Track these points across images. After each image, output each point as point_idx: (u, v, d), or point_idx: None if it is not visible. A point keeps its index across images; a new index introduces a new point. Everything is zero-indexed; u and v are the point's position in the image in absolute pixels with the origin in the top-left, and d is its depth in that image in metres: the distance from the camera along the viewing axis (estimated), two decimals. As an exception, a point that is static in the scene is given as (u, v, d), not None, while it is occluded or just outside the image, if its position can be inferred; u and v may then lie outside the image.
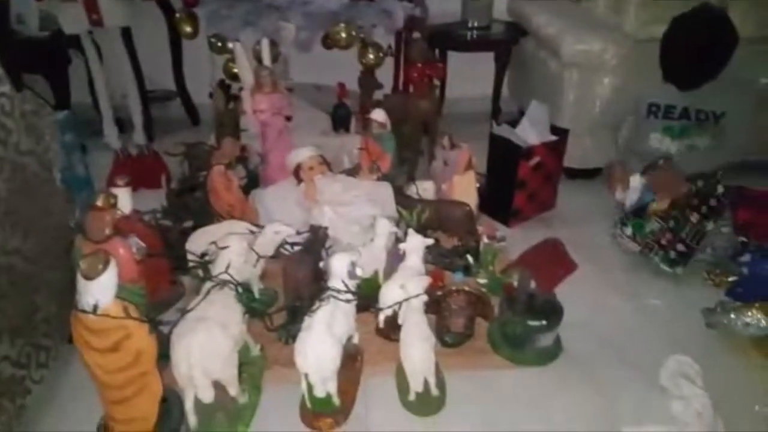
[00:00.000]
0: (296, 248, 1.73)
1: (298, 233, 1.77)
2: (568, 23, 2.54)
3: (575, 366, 1.60)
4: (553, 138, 2.26)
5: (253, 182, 2.33)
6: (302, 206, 2.04)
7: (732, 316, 1.67)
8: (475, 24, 3.03)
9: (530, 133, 2.24)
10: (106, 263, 1.13)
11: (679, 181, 1.96)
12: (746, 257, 1.93)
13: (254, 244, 1.67)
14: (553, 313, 1.60)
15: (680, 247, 1.93)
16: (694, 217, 1.95)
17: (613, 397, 1.50)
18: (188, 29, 2.80)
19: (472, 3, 3.04)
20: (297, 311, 1.51)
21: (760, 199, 2.16)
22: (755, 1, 2.41)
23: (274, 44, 2.43)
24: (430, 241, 1.71)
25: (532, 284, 1.60)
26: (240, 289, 1.44)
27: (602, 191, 2.40)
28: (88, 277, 1.11)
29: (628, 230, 1.96)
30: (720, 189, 1.94)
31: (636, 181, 2.01)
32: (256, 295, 1.70)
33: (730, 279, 1.89)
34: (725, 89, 1.96)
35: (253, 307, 1.57)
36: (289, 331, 1.54)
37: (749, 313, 1.66)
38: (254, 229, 1.77)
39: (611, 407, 1.46)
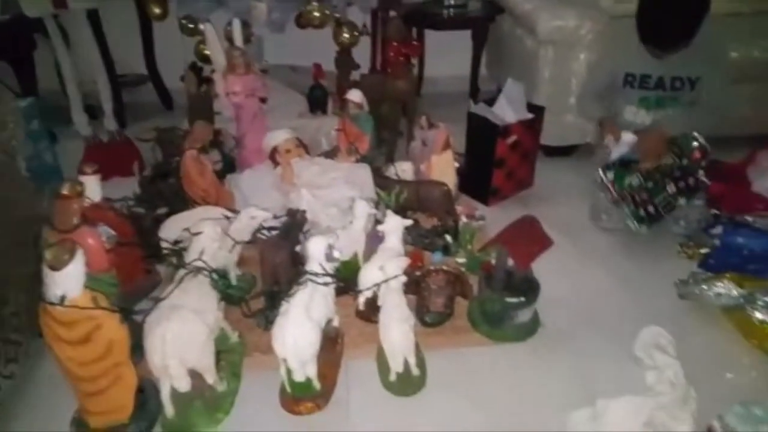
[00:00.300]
0: (273, 233, 1.71)
1: (275, 217, 1.75)
2: (544, 0, 2.52)
3: (553, 340, 1.62)
4: (530, 116, 2.26)
5: (228, 166, 2.30)
6: (279, 190, 2.02)
7: (704, 287, 1.69)
8: (452, 2, 2.99)
9: (507, 111, 2.23)
10: (73, 253, 1.10)
11: (665, 148, 1.99)
12: (718, 229, 1.96)
13: (230, 230, 1.65)
14: (530, 289, 1.61)
15: (651, 209, 1.96)
16: (671, 188, 1.97)
17: (590, 370, 1.52)
18: (157, 11, 2.74)
19: (449, -20, 3.01)
20: (275, 296, 1.50)
21: (730, 173, 2.19)
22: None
23: (246, 25, 2.38)
24: (409, 222, 1.70)
25: (510, 262, 1.61)
26: (215, 276, 1.42)
27: (579, 168, 2.42)
28: (54, 268, 1.08)
29: (610, 175, 1.97)
30: (701, 172, 1.97)
31: (628, 136, 2.02)
32: (233, 281, 1.69)
33: (703, 251, 1.92)
34: (699, 55, 1.98)
35: (230, 293, 1.56)
36: (268, 317, 1.53)
37: (720, 284, 1.68)
38: (229, 214, 1.74)
39: (588, 379, 1.48)
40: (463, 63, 3.16)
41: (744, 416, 1.22)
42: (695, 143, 1.97)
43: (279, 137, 2.08)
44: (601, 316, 1.71)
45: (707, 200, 2.05)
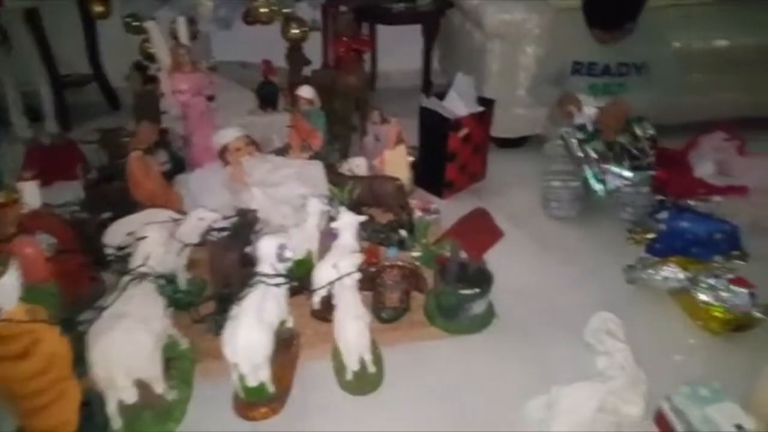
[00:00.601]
0: (223, 234, 1.67)
1: (225, 218, 1.71)
2: (492, -6, 2.54)
3: (508, 330, 1.64)
4: (481, 109, 2.28)
5: (177, 167, 2.24)
6: (230, 189, 1.98)
7: (651, 271, 1.74)
8: (401, -4, 2.98)
9: (458, 104, 2.24)
10: (6, 264, 1.05)
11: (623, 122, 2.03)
12: (663, 214, 2.01)
13: (177, 232, 1.60)
14: (484, 280, 1.63)
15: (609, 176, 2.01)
16: (626, 163, 2.01)
17: (545, 357, 1.54)
18: (99, 9, 2.65)
19: (396, -26, 2.99)
20: (226, 300, 1.47)
21: (674, 158, 2.26)
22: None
23: (191, 22, 2.32)
24: (363, 218, 1.70)
25: (463, 254, 1.62)
26: (161, 281, 1.37)
27: (530, 159, 2.45)
28: (-13, 281, 1.03)
29: (580, 135, 2.00)
30: (652, 155, 2.02)
31: (590, 109, 2.04)
32: (182, 285, 1.64)
33: (649, 236, 1.97)
34: (642, 42, 2.04)
35: (178, 298, 1.52)
36: (218, 322, 1.49)
37: (666, 268, 1.73)
38: (177, 216, 1.70)
39: (543, 367, 1.51)
40: (416, 57, 3.17)
41: (691, 397, 1.26)
42: (649, 132, 2.02)
43: (228, 135, 2.03)
44: (553, 303, 1.74)
45: (653, 186, 2.10)
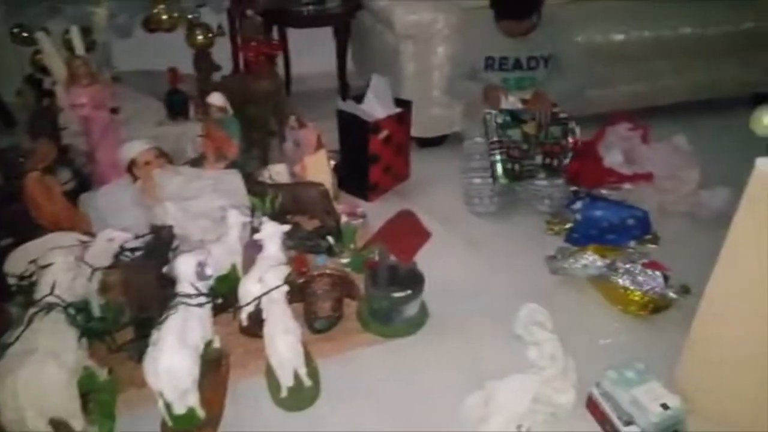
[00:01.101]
0: (137, 254, 1.57)
1: (138, 237, 1.61)
2: (400, -5, 2.55)
3: (442, 329, 1.65)
4: (398, 110, 2.28)
5: (82, 185, 2.08)
6: (142, 205, 1.87)
7: (571, 260, 1.80)
8: (310, -2, 2.94)
9: (376, 106, 2.23)
10: None
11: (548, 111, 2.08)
12: (578, 204, 2.10)
13: (86, 256, 1.49)
14: (415, 281, 1.62)
15: (516, 167, 2.05)
16: (538, 159, 2.07)
17: (479, 353, 1.56)
18: (-19, 19, 2.42)
19: (303, -24, 2.94)
20: (145, 324, 1.38)
21: (584, 149, 2.35)
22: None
23: (86, 32, 2.17)
24: (286, 228, 1.64)
25: (392, 257, 1.61)
26: (71, 311, 1.27)
27: (451, 157, 2.49)
28: None
29: (500, 119, 2.02)
30: (568, 158, 2.10)
31: (514, 100, 2.09)
32: (96, 312, 1.52)
33: (567, 226, 2.04)
34: (549, 35, 2.14)
35: (92, 327, 1.40)
36: (139, 348, 1.39)
37: (585, 256, 1.79)
38: (85, 238, 1.58)
39: (478, 363, 1.52)
40: (330, 59, 3.13)
41: (618, 380, 1.31)
42: (574, 131, 2.10)
43: (136, 148, 1.92)
44: (483, 298, 1.76)
45: (566, 178, 2.19)
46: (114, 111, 2.05)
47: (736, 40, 2.87)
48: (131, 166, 1.89)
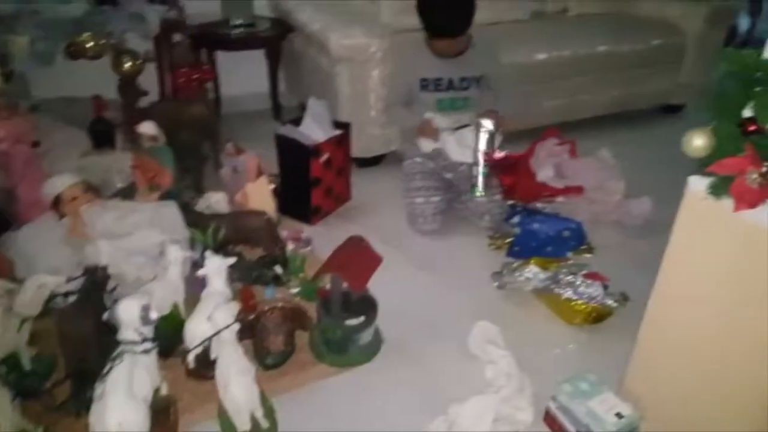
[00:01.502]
0: (71, 298, 1.46)
1: (70, 279, 1.50)
2: (332, 18, 2.56)
3: (398, 354, 1.64)
4: (338, 132, 2.27)
5: (2, 226, 1.92)
6: (70, 245, 1.75)
7: (516, 274, 1.85)
8: (239, 22, 2.88)
9: (315, 129, 2.21)
10: None
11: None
12: (516, 218, 2.17)
13: (14, 305, 1.37)
14: (368, 308, 1.61)
15: None
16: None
17: (437, 376, 1.56)
18: None
19: (230, 1, 2.88)
20: (85, 375, 1.28)
21: (517, 164, 2.44)
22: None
23: (3, 61, 2.03)
24: (232, 260, 1.59)
25: (344, 284, 1.58)
26: (2, 368, 1.16)
27: (390, 176, 2.50)
28: None
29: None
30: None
31: (449, 121, 2.15)
32: (27, 366, 1.40)
33: (508, 240, 2.10)
34: (479, 56, 2.22)
35: (26, 384, 1.29)
36: (81, 401, 1.29)
37: (529, 269, 1.85)
38: (10, 285, 1.46)
39: (437, 386, 1.52)
40: (261, 80, 3.08)
41: (573, 393, 1.34)
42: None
43: (60, 183, 1.81)
44: (436, 319, 1.77)
45: (503, 192, 2.25)
46: (35, 144, 1.92)
47: (646, 56, 3.08)
48: (56, 203, 1.77)
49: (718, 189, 1.04)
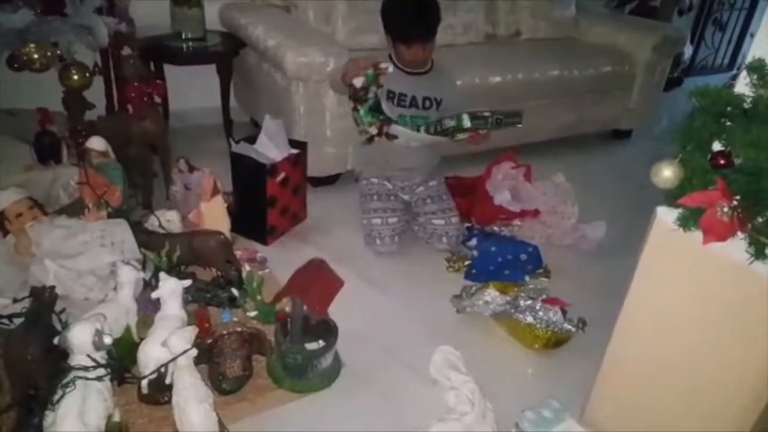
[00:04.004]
0: (16, 321, 1.38)
1: (15, 301, 1.42)
2: (286, 36, 2.53)
3: (357, 379, 1.62)
4: (294, 151, 2.25)
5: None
6: (15, 264, 1.66)
7: (474, 298, 1.85)
8: (189, 35, 2.83)
9: (270, 148, 2.18)
10: None
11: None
12: (473, 241, 2.20)
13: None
14: (328, 332, 1.59)
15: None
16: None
17: (398, 402, 1.55)
18: None
19: (180, 13, 2.82)
20: (33, 403, 1.20)
21: (472, 187, 2.48)
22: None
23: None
24: (188, 283, 1.55)
25: (305, 308, 1.56)
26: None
27: (345, 195, 2.50)
28: None
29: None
30: None
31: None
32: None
33: (466, 263, 2.12)
34: (438, 79, 2.26)
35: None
36: (28, 430, 1.21)
37: (487, 292, 1.85)
38: (-52, 310, 1.36)
39: (398, 412, 1.51)
40: (211, 94, 3.01)
41: (536, 421, 1.36)
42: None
43: (5, 199, 1.72)
44: (395, 343, 1.76)
45: (460, 215, 2.28)
46: (-25, 159, 1.81)
47: (597, 82, 3.21)
48: (0, 220, 1.67)
49: (687, 221, 1.06)
